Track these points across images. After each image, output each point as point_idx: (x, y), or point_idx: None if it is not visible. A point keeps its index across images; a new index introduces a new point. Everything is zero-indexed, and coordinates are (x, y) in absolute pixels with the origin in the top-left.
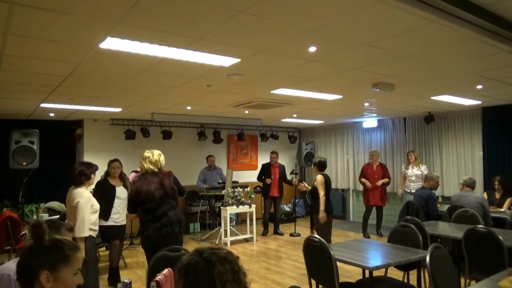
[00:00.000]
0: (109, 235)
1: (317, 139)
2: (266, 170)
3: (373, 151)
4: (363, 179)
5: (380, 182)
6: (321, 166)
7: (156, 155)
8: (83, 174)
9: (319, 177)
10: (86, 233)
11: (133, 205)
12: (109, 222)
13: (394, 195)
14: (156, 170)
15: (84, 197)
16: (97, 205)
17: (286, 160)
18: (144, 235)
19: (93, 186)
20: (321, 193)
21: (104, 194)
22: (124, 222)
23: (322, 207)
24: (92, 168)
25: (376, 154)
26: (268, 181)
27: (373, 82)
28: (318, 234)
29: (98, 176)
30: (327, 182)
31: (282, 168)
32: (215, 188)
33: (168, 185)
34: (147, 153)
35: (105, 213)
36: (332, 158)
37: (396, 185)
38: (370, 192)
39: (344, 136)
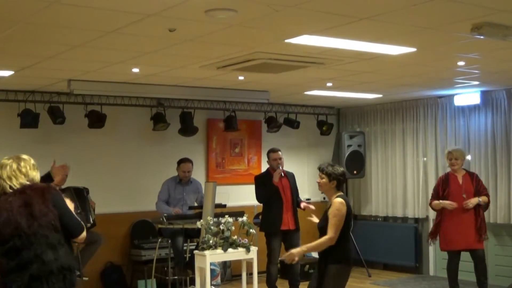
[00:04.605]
0: None
1: (370, 127)
2: (266, 185)
3: (457, 150)
4: (437, 202)
5: (473, 202)
6: (343, 180)
7: (25, 160)
8: None
9: (338, 202)
10: None
11: None
12: None
13: (499, 228)
14: (27, 183)
15: None
16: None
17: (315, 166)
18: None
19: None
20: (330, 232)
21: None
22: None
23: (309, 246)
24: None
25: (462, 155)
26: (276, 176)
27: (473, 23)
28: None
29: None
30: (348, 212)
31: (292, 178)
32: (185, 217)
33: (41, 207)
34: (6, 160)
35: None
36: (397, 161)
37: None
38: (454, 223)
39: (419, 121)
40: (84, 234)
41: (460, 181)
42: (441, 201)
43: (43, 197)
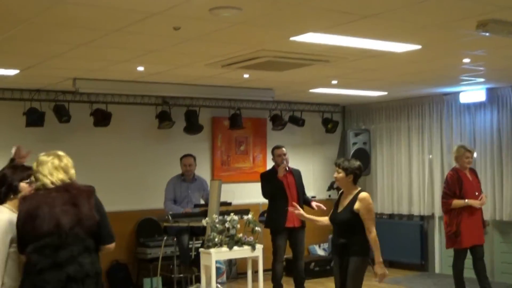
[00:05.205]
0: None
1: (375, 124)
2: (271, 182)
3: (471, 148)
4: (461, 201)
5: (483, 201)
6: (359, 174)
7: (64, 157)
8: (5, 184)
9: (368, 197)
10: None
11: (20, 242)
12: None
13: (505, 225)
14: (67, 181)
15: (0, 222)
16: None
17: (320, 163)
18: None
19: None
20: (373, 228)
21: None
22: None
23: (378, 255)
24: (24, 171)
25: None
26: (281, 170)
27: (478, 20)
28: None
29: None
30: None
31: (298, 175)
32: (191, 215)
33: (86, 210)
34: (45, 156)
35: None
36: (402, 159)
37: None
38: (471, 221)
39: (425, 119)
40: (114, 244)
41: (470, 179)
42: (468, 200)
43: (89, 200)
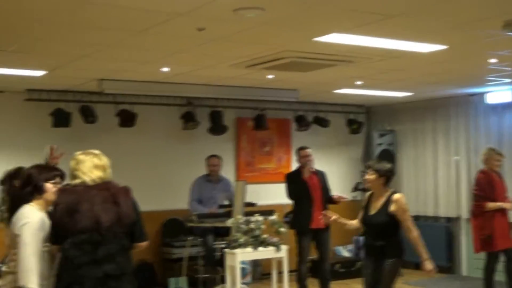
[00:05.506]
0: None
1: (400, 125)
2: (296, 183)
3: (497, 151)
4: (497, 204)
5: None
6: (391, 176)
7: (102, 155)
8: (30, 184)
9: (401, 198)
10: (34, 284)
11: (55, 234)
12: None
13: None
14: (105, 179)
15: (32, 221)
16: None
17: (344, 164)
18: None
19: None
20: (413, 227)
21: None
22: None
23: (424, 252)
24: (50, 172)
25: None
26: (306, 171)
27: (504, 20)
28: None
29: None
30: None
31: (322, 177)
32: (215, 215)
33: (126, 209)
34: (84, 155)
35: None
36: (428, 160)
37: None
38: (502, 223)
39: (451, 120)
40: (146, 243)
41: (499, 181)
42: (500, 203)
43: (128, 199)
